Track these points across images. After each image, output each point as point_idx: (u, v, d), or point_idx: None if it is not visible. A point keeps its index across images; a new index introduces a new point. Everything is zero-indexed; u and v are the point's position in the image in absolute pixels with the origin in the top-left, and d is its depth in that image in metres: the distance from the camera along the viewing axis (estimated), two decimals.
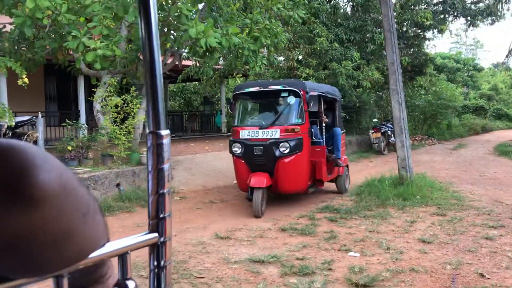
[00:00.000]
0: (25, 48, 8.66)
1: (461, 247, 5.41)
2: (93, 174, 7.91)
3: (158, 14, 8.79)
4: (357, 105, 18.04)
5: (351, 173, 9.84)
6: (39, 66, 9.56)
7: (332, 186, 9.13)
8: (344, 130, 9.45)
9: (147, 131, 0.72)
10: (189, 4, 8.42)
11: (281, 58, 16.99)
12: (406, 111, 9.68)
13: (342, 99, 17.36)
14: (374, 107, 21.05)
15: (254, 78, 17.07)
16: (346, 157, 9.13)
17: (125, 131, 9.16)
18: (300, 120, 7.37)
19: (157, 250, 0.74)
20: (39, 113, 8.24)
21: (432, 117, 24.16)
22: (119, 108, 9.09)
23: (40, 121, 7.68)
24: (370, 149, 17.32)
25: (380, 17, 15.20)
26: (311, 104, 7.13)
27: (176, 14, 8.30)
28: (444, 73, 30.65)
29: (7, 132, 7.16)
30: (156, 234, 0.74)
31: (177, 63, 10.42)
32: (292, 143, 7.07)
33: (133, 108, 9.21)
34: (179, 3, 8.22)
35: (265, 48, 11.76)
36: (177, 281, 4.43)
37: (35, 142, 7.61)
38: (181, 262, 4.95)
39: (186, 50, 9.92)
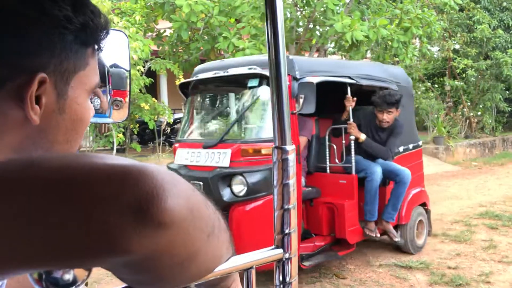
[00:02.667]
0: (181, 50, 9.41)
1: None
2: None
3: (304, 10, 8.85)
4: None
5: None
6: (194, 66, 10.33)
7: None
8: (420, 143, 5.57)
9: (272, 146, 0.72)
10: None
11: (436, 49, 15.87)
12: None
13: None
14: None
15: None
16: (423, 189, 5.37)
17: None
18: None
19: (282, 266, 0.73)
20: None
21: None
22: None
23: None
24: None
25: None
26: (302, 101, 3.85)
27: (322, 9, 8.24)
28: None
29: (166, 128, 7.88)
30: (281, 250, 0.73)
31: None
32: (255, 178, 3.86)
33: None
34: None
35: (417, 38, 11.11)
36: (319, 280, 4.40)
37: None
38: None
39: (331, 45, 9.82)
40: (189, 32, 8.37)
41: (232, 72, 4.23)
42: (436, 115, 13.87)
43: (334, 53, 12.35)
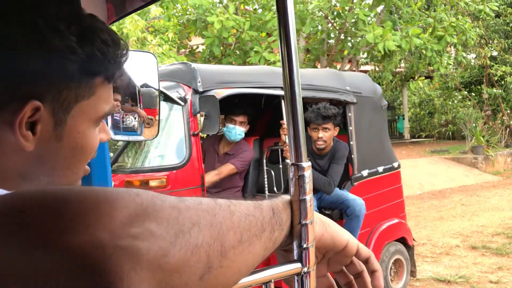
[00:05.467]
0: None
1: None
2: None
3: (335, 22, 8.86)
4: None
5: None
6: None
7: None
8: (396, 165, 4.45)
9: (289, 162, 0.74)
10: (366, 9, 8.27)
11: (472, 56, 15.52)
12: None
13: None
14: None
15: (440, 79, 15.92)
16: (402, 221, 4.37)
17: None
18: (176, 158, 3.31)
19: (301, 280, 0.76)
20: None
21: None
22: None
23: None
24: None
25: None
26: (203, 120, 3.19)
27: (353, 20, 8.23)
28: None
29: None
30: (299, 264, 0.75)
31: (354, 69, 10.32)
32: None
33: None
34: (356, 10, 8.12)
35: (452, 47, 10.93)
36: None
37: None
38: None
39: (364, 56, 9.77)
40: (221, 48, 8.50)
41: None
42: (474, 124, 13.51)
43: (366, 63, 12.29)
